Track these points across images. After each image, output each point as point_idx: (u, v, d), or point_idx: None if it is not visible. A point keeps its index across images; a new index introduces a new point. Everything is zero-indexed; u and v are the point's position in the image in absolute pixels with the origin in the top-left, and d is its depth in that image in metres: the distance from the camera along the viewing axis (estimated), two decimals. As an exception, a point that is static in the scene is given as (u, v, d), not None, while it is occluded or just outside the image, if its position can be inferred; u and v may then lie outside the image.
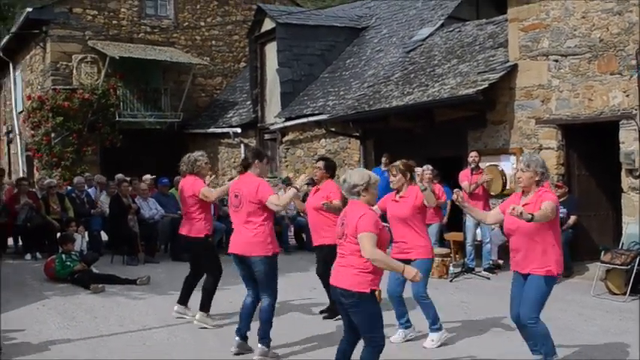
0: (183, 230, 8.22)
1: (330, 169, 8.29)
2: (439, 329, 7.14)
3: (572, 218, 11.05)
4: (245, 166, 6.90)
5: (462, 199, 6.30)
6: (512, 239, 6.02)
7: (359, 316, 5.19)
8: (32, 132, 20.95)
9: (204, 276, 8.19)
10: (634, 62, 10.31)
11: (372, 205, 5.43)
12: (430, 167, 11.61)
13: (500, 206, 6.34)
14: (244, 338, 6.81)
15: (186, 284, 8.44)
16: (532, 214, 5.49)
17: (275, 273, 6.73)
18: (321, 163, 8.31)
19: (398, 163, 7.39)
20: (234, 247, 6.82)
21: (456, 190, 6.57)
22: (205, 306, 8.04)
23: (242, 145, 19.97)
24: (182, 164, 8.28)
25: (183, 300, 8.41)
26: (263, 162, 6.96)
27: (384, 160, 13.59)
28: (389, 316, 7.43)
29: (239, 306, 8.36)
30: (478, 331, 7.72)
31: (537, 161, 5.98)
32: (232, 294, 8.86)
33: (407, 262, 6.73)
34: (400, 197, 7.16)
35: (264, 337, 6.61)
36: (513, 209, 5.44)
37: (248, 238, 6.66)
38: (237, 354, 6.76)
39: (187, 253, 8.80)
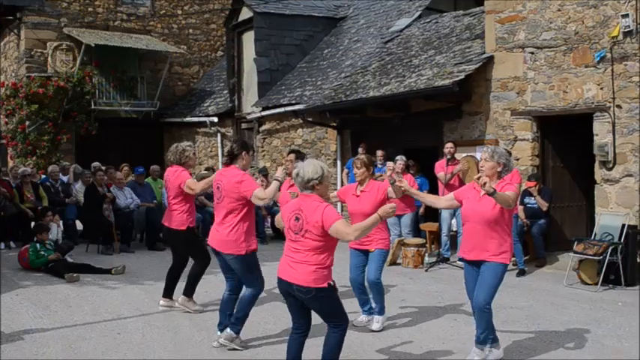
0: (165, 221, 8.15)
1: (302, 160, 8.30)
2: (383, 313, 7.45)
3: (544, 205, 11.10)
4: (231, 158, 6.80)
5: (400, 182, 6.45)
6: (468, 226, 6.14)
7: (319, 306, 5.25)
8: (6, 120, 20.73)
9: (192, 264, 8.19)
10: (608, 55, 10.41)
11: (324, 197, 5.36)
12: (403, 158, 11.75)
13: (455, 193, 6.44)
14: (238, 330, 6.75)
15: (170, 277, 8.37)
16: (494, 189, 5.69)
17: (253, 268, 6.68)
18: (292, 156, 8.29)
19: (362, 156, 7.58)
20: (211, 240, 6.81)
21: (389, 171, 6.70)
22: (188, 291, 8.09)
23: (219, 135, 19.93)
24: (169, 154, 8.19)
25: (168, 293, 8.35)
26: (249, 154, 6.90)
27: (360, 150, 13.64)
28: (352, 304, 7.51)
29: (215, 295, 8.44)
30: (452, 320, 7.79)
31: (501, 153, 6.17)
32: (207, 284, 8.86)
33: (365, 252, 7.20)
34: (361, 191, 7.27)
35: (236, 324, 6.63)
36: (479, 178, 5.70)
37: (223, 235, 6.64)
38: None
39: (168, 243, 8.67)
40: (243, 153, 6.78)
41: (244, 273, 6.64)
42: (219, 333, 6.81)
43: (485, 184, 5.63)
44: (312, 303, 5.23)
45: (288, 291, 5.27)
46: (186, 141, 8.59)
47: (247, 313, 6.68)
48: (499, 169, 6.06)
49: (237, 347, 6.59)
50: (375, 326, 7.30)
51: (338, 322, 5.29)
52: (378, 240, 7.25)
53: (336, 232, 5.09)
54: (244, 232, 6.63)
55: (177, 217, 8.00)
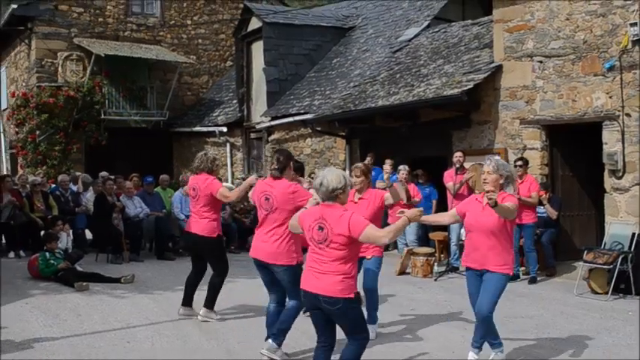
0: (194, 229, 8.05)
1: (299, 170, 8.33)
2: (375, 322, 7.44)
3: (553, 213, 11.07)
4: (281, 170, 6.68)
5: (419, 213, 5.77)
6: (471, 236, 6.18)
7: (345, 319, 5.16)
8: (16, 129, 20.83)
9: (210, 275, 8.19)
10: (617, 64, 10.39)
11: (344, 205, 5.32)
12: (406, 167, 11.85)
13: (457, 208, 6.50)
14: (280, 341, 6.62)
15: (190, 285, 8.33)
16: (496, 201, 5.72)
17: (299, 280, 6.57)
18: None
19: (360, 164, 7.64)
20: (258, 253, 6.67)
21: (385, 174, 6.70)
22: (211, 302, 8.09)
23: (228, 144, 19.97)
24: (197, 161, 8.11)
25: (188, 301, 8.31)
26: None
27: (368, 159, 13.64)
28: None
29: (223, 305, 8.46)
30: (462, 329, 7.77)
31: (504, 165, 6.25)
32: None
33: (361, 259, 6.98)
34: (359, 199, 7.27)
35: (278, 335, 6.52)
36: (487, 192, 5.75)
37: (273, 247, 6.50)
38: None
39: (192, 251, 8.50)
40: (290, 163, 6.78)
41: (292, 284, 6.46)
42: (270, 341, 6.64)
43: (490, 197, 5.68)
44: (338, 314, 5.12)
45: (314, 303, 5.19)
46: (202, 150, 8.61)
47: (290, 325, 6.59)
48: (501, 182, 6.10)
49: (278, 359, 6.50)
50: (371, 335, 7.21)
51: (359, 335, 5.22)
52: (374, 247, 7.20)
53: (367, 237, 5.05)
54: (294, 243, 6.57)
55: (208, 225, 7.95)
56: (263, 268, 6.72)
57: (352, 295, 5.08)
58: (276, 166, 6.68)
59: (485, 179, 6.11)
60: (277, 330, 6.52)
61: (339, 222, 5.07)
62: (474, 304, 6.23)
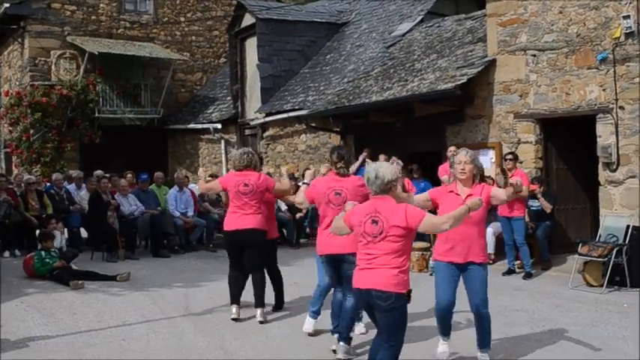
0: (249, 224, 7.87)
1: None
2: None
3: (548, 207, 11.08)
4: (346, 163, 6.80)
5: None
6: (456, 229, 5.77)
7: (392, 317, 5.08)
8: (10, 128, 20.78)
9: (253, 274, 8.11)
10: (610, 56, 10.40)
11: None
12: (400, 162, 11.81)
13: (430, 193, 6.36)
14: (349, 341, 6.62)
15: (241, 286, 8.17)
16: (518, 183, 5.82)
17: None
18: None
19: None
20: (331, 246, 6.58)
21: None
22: (263, 301, 8.07)
23: (222, 141, 19.95)
24: (247, 158, 7.99)
25: (238, 300, 8.16)
26: None
27: (364, 154, 13.66)
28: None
29: (219, 301, 8.46)
30: (457, 323, 7.77)
31: (477, 158, 6.27)
32: (212, 290, 8.87)
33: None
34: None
35: (347, 336, 6.56)
36: (516, 184, 5.76)
37: (343, 238, 6.26)
38: None
39: (238, 248, 8.07)
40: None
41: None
42: (341, 344, 6.59)
43: (516, 182, 5.76)
44: (386, 310, 5.04)
45: (367, 300, 5.12)
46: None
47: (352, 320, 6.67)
48: (475, 172, 6.13)
49: (351, 357, 6.51)
50: (359, 330, 7.22)
51: (396, 339, 5.14)
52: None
53: (427, 226, 5.05)
54: None
55: (262, 220, 7.96)
56: (334, 263, 6.69)
57: (404, 291, 5.04)
58: (342, 164, 6.77)
59: (463, 169, 6.07)
60: (346, 331, 6.56)
61: (395, 213, 5.04)
62: (445, 298, 6.14)
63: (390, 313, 5.04)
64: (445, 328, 6.38)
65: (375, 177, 5.14)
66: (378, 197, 5.16)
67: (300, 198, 6.94)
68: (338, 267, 6.71)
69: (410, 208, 5.09)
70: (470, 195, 5.93)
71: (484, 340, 6.25)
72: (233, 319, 7.90)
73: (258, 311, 7.95)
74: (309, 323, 7.30)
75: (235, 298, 8.10)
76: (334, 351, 6.59)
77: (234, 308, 8.01)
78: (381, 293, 4.99)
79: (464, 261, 6.05)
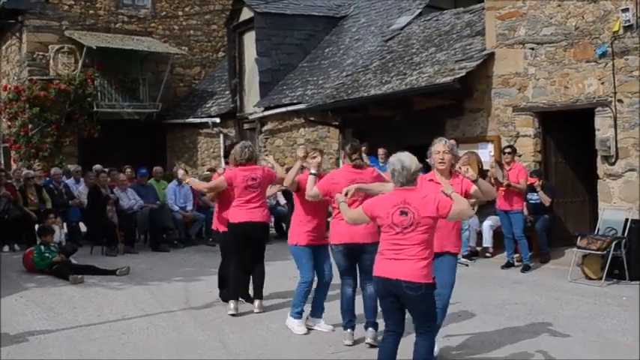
0: (258, 217, 7.92)
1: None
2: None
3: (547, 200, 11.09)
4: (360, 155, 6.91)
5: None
6: None
7: (423, 306, 5.10)
8: (9, 123, 20.76)
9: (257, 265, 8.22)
10: (609, 50, 10.39)
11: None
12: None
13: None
14: (376, 326, 6.67)
15: (244, 279, 8.25)
16: (477, 177, 5.89)
17: None
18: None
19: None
20: (355, 235, 6.56)
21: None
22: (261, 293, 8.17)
23: (221, 135, 19.94)
24: (248, 152, 7.99)
25: (239, 296, 8.20)
26: None
27: (362, 149, 13.63)
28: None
29: (216, 296, 8.47)
30: (456, 317, 7.79)
31: (454, 148, 6.25)
32: (210, 285, 8.88)
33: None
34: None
35: (375, 322, 6.62)
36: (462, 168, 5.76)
37: (363, 228, 6.39)
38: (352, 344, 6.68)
39: (247, 241, 8.06)
40: None
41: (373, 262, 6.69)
42: (349, 331, 6.73)
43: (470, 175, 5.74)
44: (418, 300, 5.05)
45: (392, 290, 5.08)
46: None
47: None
48: (452, 162, 6.11)
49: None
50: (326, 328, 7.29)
51: (431, 326, 5.20)
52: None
53: (455, 214, 5.10)
54: None
55: (267, 213, 8.16)
56: (351, 253, 6.69)
57: (432, 281, 5.07)
58: (359, 156, 6.88)
59: (442, 159, 6.01)
60: (373, 317, 6.62)
61: (425, 204, 5.05)
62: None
63: (422, 302, 5.07)
64: None
65: (402, 168, 5.13)
66: (404, 188, 5.14)
67: (313, 192, 6.78)
68: (353, 257, 6.72)
69: (440, 197, 5.12)
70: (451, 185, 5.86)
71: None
72: (231, 315, 7.89)
73: (257, 302, 8.02)
74: (299, 325, 7.21)
75: (237, 294, 8.10)
76: (349, 345, 6.64)
77: (232, 304, 7.97)
78: (412, 284, 4.99)
79: (441, 250, 5.93)
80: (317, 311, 7.35)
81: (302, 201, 7.15)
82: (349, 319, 6.78)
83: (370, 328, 6.63)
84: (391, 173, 5.21)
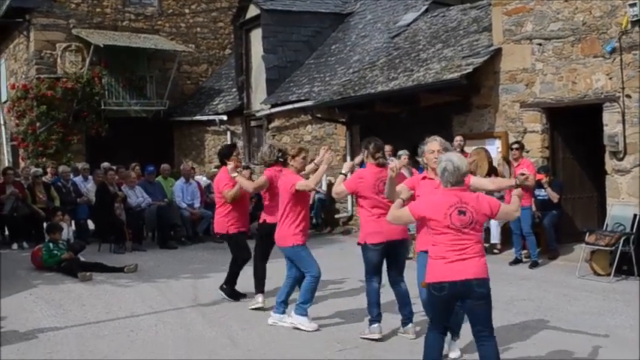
0: (270, 219, 7.96)
1: None
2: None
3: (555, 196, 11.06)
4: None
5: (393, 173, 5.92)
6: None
7: (489, 304, 5.07)
8: (17, 121, 20.83)
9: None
10: (617, 45, 10.35)
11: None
12: (407, 152, 11.86)
13: (407, 182, 6.23)
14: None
15: (264, 274, 8.33)
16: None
17: None
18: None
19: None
20: (394, 232, 6.59)
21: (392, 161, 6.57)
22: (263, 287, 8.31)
23: (228, 133, 19.95)
24: (278, 151, 8.00)
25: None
26: None
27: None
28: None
29: (241, 288, 8.49)
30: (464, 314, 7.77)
31: (448, 146, 6.23)
32: (218, 282, 8.89)
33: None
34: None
35: (411, 316, 6.78)
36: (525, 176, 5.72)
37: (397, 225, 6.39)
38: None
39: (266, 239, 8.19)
40: None
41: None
42: (378, 325, 6.78)
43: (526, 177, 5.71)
44: (485, 296, 5.02)
45: (459, 293, 5.00)
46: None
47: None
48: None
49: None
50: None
51: (492, 327, 5.12)
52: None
53: (503, 214, 5.20)
54: None
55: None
56: (387, 250, 6.72)
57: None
58: (382, 155, 6.94)
59: (436, 158, 5.90)
60: (409, 313, 6.75)
61: (480, 203, 5.08)
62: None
63: (488, 298, 5.06)
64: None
65: (454, 168, 5.08)
66: (456, 188, 5.10)
67: (340, 188, 6.86)
68: (388, 254, 6.77)
69: (489, 197, 5.20)
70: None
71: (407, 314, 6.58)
72: (256, 309, 8.00)
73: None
74: (309, 321, 7.20)
75: (263, 287, 8.24)
76: (379, 339, 6.69)
77: (260, 297, 8.13)
78: (481, 281, 5.00)
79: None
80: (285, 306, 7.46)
81: (294, 201, 7.20)
82: (378, 313, 6.80)
83: (410, 324, 6.72)
84: (441, 173, 5.15)
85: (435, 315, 5.26)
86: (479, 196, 5.14)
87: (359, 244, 6.91)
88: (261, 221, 8.25)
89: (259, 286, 8.23)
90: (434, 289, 5.05)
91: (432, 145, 6.07)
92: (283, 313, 7.40)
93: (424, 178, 6.09)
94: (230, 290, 8.60)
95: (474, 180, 6.03)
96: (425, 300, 5.73)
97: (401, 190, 5.86)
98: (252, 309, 8.01)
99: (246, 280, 8.50)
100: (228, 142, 19.60)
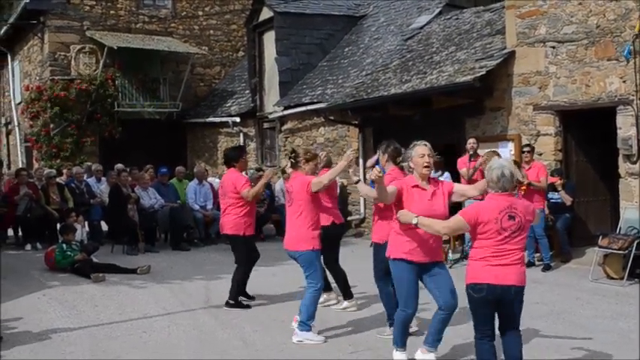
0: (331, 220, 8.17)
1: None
2: None
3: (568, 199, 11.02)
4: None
5: (379, 177, 5.63)
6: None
7: (520, 310, 5.27)
8: (31, 123, 20.95)
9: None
10: (631, 48, 10.30)
11: None
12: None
13: (397, 184, 5.95)
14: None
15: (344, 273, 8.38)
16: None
17: None
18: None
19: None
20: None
21: (374, 167, 6.37)
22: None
23: (241, 135, 19.98)
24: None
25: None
26: None
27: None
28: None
29: (254, 291, 8.49)
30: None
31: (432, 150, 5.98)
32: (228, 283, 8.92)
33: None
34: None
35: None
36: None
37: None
38: None
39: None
40: None
41: None
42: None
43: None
44: (518, 303, 5.20)
45: (498, 296, 5.08)
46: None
47: None
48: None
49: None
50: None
51: (519, 324, 5.32)
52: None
53: (537, 220, 5.39)
54: None
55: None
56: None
57: None
58: (401, 159, 6.78)
59: (428, 162, 5.83)
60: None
61: (527, 208, 5.19)
62: (416, 296, 5.89)
63: (521, 304, 5.24)
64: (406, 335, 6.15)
65: (510, 175, 5.12)
66: (508, 193, 5.14)
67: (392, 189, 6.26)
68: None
69: (532, 204, 5.41)
70: (434, 191, 5.82)
71: (438, 338, 6.09)
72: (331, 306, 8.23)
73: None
74: (315, 334, 7.05)
75: (350, 291, 8.33)
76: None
77: (346, 302, 8.27)
78: (520, 289, 5.13)
79: (431, 260, 5.86)
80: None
81: (310, 203, 7.13)
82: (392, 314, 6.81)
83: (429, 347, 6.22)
84: (496, 178, 5.12)
85: (476, 319, 5.28)
86: (524, 202, 5.25)
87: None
88: (328, 223, 8.03)
89: (347, 292, 8.24)
90: (472, 289, 5.13)
91: (422, 149, 5.88)
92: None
93: (415, 186, 5.82)
94: (237, 302, 8.41)
95: (457, 187, 6.04)
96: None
97: (393, 191, 5.78)
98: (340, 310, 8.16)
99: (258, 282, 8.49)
100: (241, 144, 19.66)
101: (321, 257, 7.41)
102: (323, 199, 7.94)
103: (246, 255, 8.45)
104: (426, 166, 5.82)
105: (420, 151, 5.86)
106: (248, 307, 8.38)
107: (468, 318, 7.59)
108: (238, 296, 8.42)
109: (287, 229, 7.32)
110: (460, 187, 6.16)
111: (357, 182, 6.60)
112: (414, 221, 5.41)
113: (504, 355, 5.29)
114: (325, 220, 8.03)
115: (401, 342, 6.01)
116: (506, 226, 5.04)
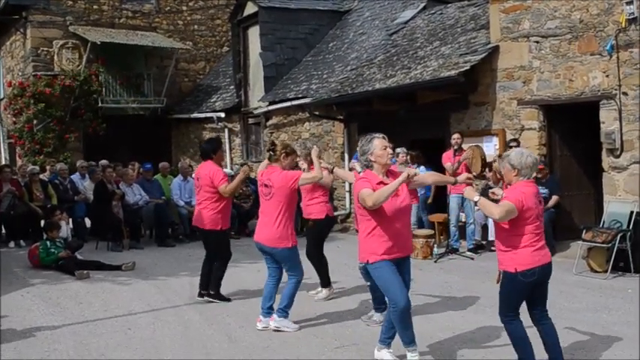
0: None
1: None
2: None
3: (554, 198, 11.12)
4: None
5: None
6: (396, 225, 5.68)
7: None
8: (14, 119, 20.82)
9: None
10: (614, 43, 10.36)
11: None
12: (404, 150, 11.88)
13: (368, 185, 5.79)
14: None
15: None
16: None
17: None
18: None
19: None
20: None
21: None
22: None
23: (226, 130, 19.95)
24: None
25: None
26: None
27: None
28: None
29: (225, 290, 8.48)
30: (462, 310, 7.80)
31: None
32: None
33: None
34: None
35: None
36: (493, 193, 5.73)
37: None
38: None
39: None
40: None
41: None
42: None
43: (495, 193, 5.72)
44: (548, 281, 5.48)
45: (547, 275, 5.40)
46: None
47: None
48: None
49: None
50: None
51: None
52: None
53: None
54: None
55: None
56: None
57: None
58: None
59: (390, 154, 5.86)
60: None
61: (538, 198, 5.40)
62: (403, 288, 5.74)
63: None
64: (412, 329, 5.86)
65: (533, 163, 5.34)
66: (531, 180, 5.37)
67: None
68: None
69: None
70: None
71: (411, 337, 5.83)
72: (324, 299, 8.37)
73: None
74: (290, 322, 7.15)
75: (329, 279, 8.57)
76: None
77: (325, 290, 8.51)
78: (551, 264, 5.42)
79: (406, 254, 5.87)
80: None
81: (291, 200, 7.09)
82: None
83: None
84: (532, 164, 5.31)
85: (515, 302, 5.42)
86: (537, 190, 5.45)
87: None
88: (322, 217, 8.41)
89: (327, 281, 8.51)
90: (523, 275, 5.26)
91: (382, 141, 5.77)
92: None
93: (380, 183, 5.65)
94: (218, 294, 8.40)
95: (417, 176, 5.97)
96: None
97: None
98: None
99: (243, 277, 8.49)
100: (226, 140, 19.64)
101: (305, 248, 7.71)
102: (318, 193, 8.31)
103: (224, 250, 8.41)
104: (388, 157, 5.81)
105: (383, 143, 5.77)
106: (229, 300, 8.39)
107: (446, 308, 7.65)
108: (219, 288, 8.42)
109: (262, 222, 7.15)
110: (419, 176, 6.12)
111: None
112: (476, 199, 5.53)
113: (543, 342, 5.53)
114: (319, 213, 8.38)
115: (408, 339, 5.75)
116: (540, 210, 5.33)
